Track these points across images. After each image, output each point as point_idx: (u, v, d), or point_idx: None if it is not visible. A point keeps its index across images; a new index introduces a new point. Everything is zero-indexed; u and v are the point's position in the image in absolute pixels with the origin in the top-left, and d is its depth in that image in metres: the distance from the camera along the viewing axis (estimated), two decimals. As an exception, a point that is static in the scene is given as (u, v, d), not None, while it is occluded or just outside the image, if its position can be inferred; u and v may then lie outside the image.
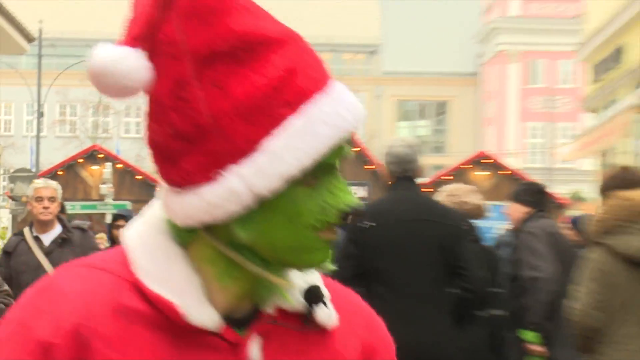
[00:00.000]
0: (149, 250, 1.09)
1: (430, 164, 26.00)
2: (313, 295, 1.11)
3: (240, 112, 1.02)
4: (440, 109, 39.14)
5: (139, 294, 1.06)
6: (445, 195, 4.92)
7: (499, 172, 18.29)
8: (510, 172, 18.28)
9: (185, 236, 1.09)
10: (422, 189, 4.27)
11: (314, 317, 1.11)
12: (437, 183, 12.74)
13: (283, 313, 1.12)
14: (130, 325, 1.05)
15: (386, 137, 26.07)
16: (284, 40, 1.05)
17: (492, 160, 19.36)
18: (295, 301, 1.11)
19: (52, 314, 1.05)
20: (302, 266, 1.09)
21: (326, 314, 1.12)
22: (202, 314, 1.06)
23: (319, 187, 1.05)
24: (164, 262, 1.08)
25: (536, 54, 36.81)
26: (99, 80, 1.02)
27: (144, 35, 1.03)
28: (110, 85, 1.02)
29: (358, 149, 18.40)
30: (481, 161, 19.19)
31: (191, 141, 1.03)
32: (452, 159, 26.44)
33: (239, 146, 1.02)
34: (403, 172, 3.98)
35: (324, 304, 1.12)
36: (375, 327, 1.21)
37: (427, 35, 37.96)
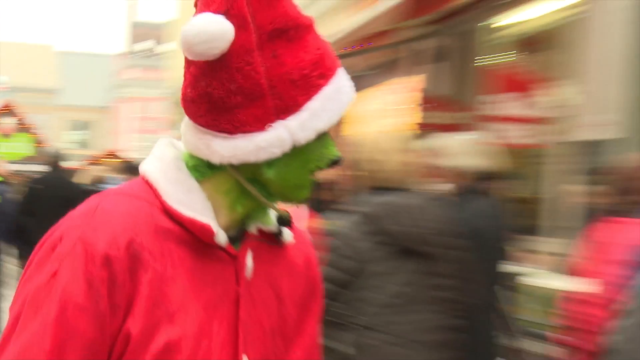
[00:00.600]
0: (173, 182, 1.35)
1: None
2: (285, 220, 1.45)
3: (291, 79, 1.31)
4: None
5: (169, 217, 1.33)
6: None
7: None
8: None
9: (206, 172, 1.37)
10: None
11: (281, 236, 1.46)
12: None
13: (261, 232, 1.45)
14: (165, 241, 1.31)
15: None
16: (312, 25, 1.36)
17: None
18: (272, 224, 1.45)
19: (109, 230, 1.27)
20: (294, 200, 1.41)
21: (288, 234, 1.47)
22: (219, 233, 1.35)
23: (321, 140, 1.36)
24: (187, 193, 1.35)
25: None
26: (195, 39, 1.26)
27: (222, 8, 1.29)
28: (202, 43, 1.26)
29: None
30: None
31: (249, 97, 1.30)
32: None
33: (288, 105, 1.31)
34: None
35: (289, 226, 1.47)
36: (309, 244, 1.59)
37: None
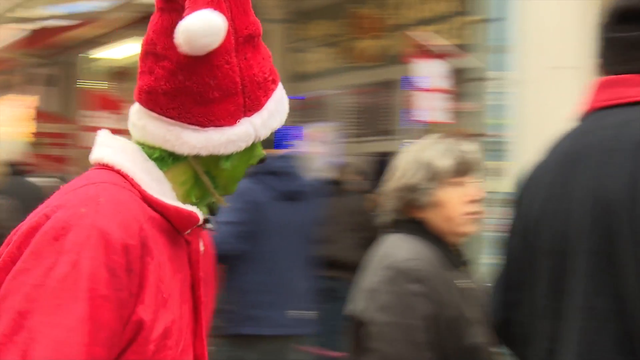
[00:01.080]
0: (146, 173, 1.36)
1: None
2: (215, 209, 1.48)
3: (257, 81, 1.40)
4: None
5: (149, 206, 1.33)
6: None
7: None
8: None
9: (169, 163, 1.39)
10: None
11: (209, 222, 1.47)
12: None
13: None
14: (153, 229, 1.31)
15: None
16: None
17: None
18: (206, 212, 1.46)
19: (121, 219, 1.26)
20: (230, 192, 1.47)
21: (212, 220, 1.48)
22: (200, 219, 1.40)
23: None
24: (158, 183, 1.37)
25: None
26: (200, 32, 1.30)
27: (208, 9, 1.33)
28: (206, 37, 1.31)
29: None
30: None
31: (225, 93, 1.36)
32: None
33: (254, 104, 1.39)
34: None
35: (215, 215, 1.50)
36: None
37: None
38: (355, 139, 7.71)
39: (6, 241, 1.30)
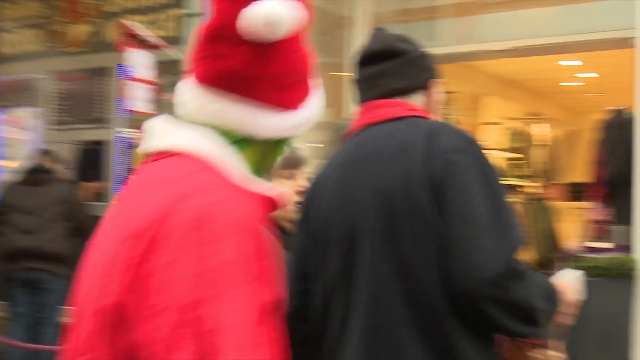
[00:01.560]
0: (229, 159, 1.36)
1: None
2: None
3: (309, 70, 1.47)
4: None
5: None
6: None
7: None
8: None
9: (244, 146, 1.39)
10: None
11: None
12: None
13: None
14: None
15: None
16: None
17: None
18: None
19: (248, 203, 1.28)
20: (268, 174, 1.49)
21: None
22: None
23: None
24: (239, 168, 1.37)
25: None
26: (279, 19, 1.32)
27: None
28: (283, 23, 1.33)
29: None
30: None
31: (298, 79, 1.42)
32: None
33: (310, 91, 1.46)
34: None
35: None
36: None
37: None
38: (62, 127, 7.49)
39: (100, 243, 1.30)
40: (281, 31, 1.33)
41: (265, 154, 1.44)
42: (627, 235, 5.09)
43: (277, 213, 2.43)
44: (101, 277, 1.23)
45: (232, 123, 1.38)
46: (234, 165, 1.35)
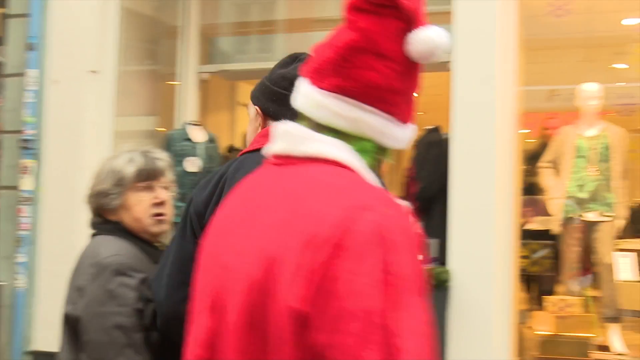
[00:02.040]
0: (364, 169, 1.44)
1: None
2: None
3: None
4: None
5: None
6: None
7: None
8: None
9: (372, 155, 1.47)
10: None
11: None
12: None
13: None
14: None
15: None
16: None
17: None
18: None
19: (406, 216, 1.34)
20: None
21: None
22: None
23: None
24: (371, 177, 1.45)
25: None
26: (436, 48, 1.43)
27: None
28: (437, 51, 1.43)
29: None
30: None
31: (406, 96, 1.47)
32: None
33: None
34: None
35: None
36: None
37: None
38: None
39: (240, 241, 1.38)
40: (432, 58, 1.44)
41: (375, 164, 1.49)
42: (437, 248, 5.36)
43: (136, 227, 2.55)
44: (280, 280, 1.27)
45: (369, 132, 1.45)
46: (368, 175, 1.44)
